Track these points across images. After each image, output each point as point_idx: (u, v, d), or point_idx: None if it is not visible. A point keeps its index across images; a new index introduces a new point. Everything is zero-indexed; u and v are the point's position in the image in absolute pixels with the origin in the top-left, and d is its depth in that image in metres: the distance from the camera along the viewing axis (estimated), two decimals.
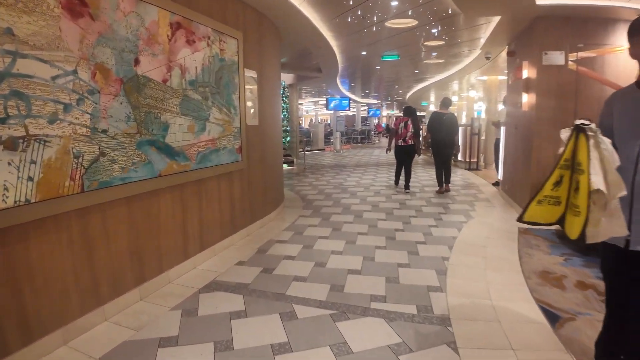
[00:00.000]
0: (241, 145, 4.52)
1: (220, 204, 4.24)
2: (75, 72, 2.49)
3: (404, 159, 7.86)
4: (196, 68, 3.63)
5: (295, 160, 12.68)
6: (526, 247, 4.40)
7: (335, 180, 9.41)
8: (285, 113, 13.82)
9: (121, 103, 2.81)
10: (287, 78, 14.22)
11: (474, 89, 15.78)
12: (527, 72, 5.71)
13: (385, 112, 42.47)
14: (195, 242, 3.83)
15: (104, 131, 2.69)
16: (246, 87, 4.64)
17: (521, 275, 3.58)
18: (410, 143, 7.69)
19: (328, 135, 21.48)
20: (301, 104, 31.49)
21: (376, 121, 35.66)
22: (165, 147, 3.27)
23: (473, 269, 3.72)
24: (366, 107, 33.22)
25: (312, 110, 40.46)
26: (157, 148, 3.17)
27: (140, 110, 2.99)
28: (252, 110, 4.86)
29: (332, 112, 21.13)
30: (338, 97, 19.95)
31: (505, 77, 12.45)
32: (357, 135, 25.73)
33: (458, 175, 10.03)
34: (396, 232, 4.90)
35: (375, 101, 28.54)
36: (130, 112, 2.90)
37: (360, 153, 18.38)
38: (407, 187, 7.81)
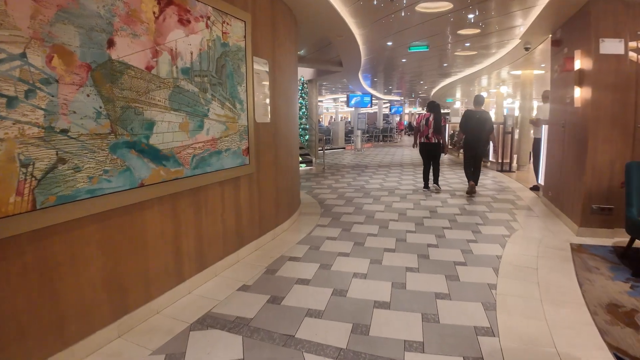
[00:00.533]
0: (249, 146, 3.92)
1: (223, 216, 3.64)
2: (23, 55, 1.91)
3: (429, 157, 7.44)
4: (191, 53, 3.02)
5: (314, 160, 12.08)
6: (584, 271, 3.67)
7: (356, 183, 8.74)
8: (304, 110, 13.22)
9: (88, 95, 2.22)
10: (305, 73, 13.60)
11: (505, 85, 14.79)
12: (579, 63, 4.92)
13: (407, 110, 41.42)
14: (192, 261, 3.24)
15: (64, 131, 2.11)
16: (255, 78, 4.03)
17: (586, 310, 2.88)
18: (433, 141, 7.22)
19: (349, 134, 20.78)
20: (321, 101, 30.89)
21: (398, 118, 34.74)
22: (150, 149, 2.67)
23: (527, 300, 3.01)
24: (388, 104, 32.34)
25: (332, 107, 39.73)
26: (139, 151, 2.58)
27: (116, 104, 2.40)
28: (263, 106, 4.25)
29: (352, 109, 20.31)
30: (359, 93, 19.21)
31: (541, 71, 11.52)
32: (379, 133, 24.95)
33: (490, 178, 9.23)
34: (429, 249, 4.21)
35: (397, 98, 27.62)
36: (101, 107, 2.31)
37: (383, 152, 17.64)
38: (435, 180, 7.46)
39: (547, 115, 7.25)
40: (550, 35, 6.37)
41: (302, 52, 10.34)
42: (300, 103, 13.30)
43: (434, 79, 16.69)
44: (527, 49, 7.32)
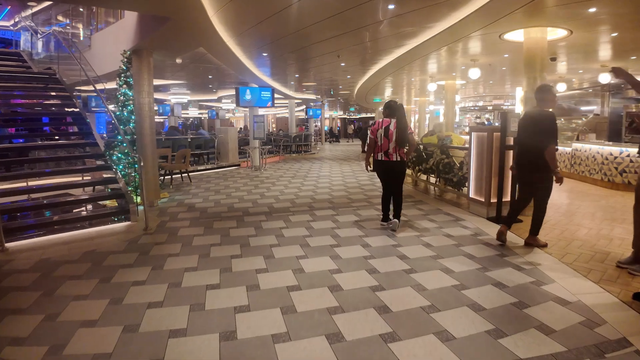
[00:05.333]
0: None
1: None
2: None
3: (389, 180, 5.09)
4: None
5: (139, 209, 5.93)
6: None
7: (151, 347, 2.92)
8: (131, 107, 7.05)
9: None
10: (126, 36, 7.44)
11: (476, 65, 9.46)
12: None
13: (327, 114, 36.31)
14: None
15: None
16: None
17: None
18: (394, 159, 4.90)
19: (244, 145, 14.79)
20: (217, 100, 24.56)
21: (317, 124, 29.39)
22: None
23: None
24: (303, 106, 26.80)
25: (239, 111, 32.87)
26: None
27: None
28: None
29: (259, 110, 13.94)
30: (255, 86, 13.31)
31: (564, 32, 6.03)
32: (290, 142, 19.21)
33: (481, 251, 3.92)
34: None
35: (312, 96, 21.98)
36: None
37: (292, 170, 12.01)
38: (397, 215, 5.02)
39: None
40: None
41: None
42: (125, 94, 7.13)
43: (360, 65, 11.38)
44: None
